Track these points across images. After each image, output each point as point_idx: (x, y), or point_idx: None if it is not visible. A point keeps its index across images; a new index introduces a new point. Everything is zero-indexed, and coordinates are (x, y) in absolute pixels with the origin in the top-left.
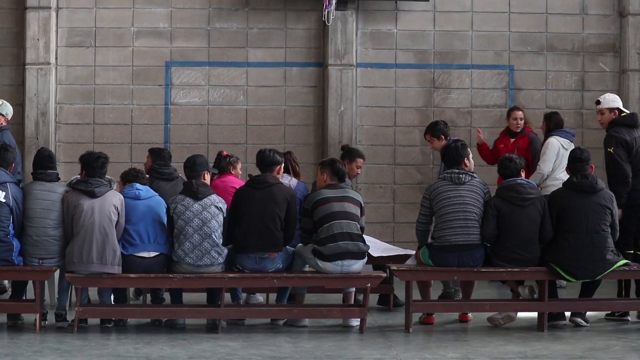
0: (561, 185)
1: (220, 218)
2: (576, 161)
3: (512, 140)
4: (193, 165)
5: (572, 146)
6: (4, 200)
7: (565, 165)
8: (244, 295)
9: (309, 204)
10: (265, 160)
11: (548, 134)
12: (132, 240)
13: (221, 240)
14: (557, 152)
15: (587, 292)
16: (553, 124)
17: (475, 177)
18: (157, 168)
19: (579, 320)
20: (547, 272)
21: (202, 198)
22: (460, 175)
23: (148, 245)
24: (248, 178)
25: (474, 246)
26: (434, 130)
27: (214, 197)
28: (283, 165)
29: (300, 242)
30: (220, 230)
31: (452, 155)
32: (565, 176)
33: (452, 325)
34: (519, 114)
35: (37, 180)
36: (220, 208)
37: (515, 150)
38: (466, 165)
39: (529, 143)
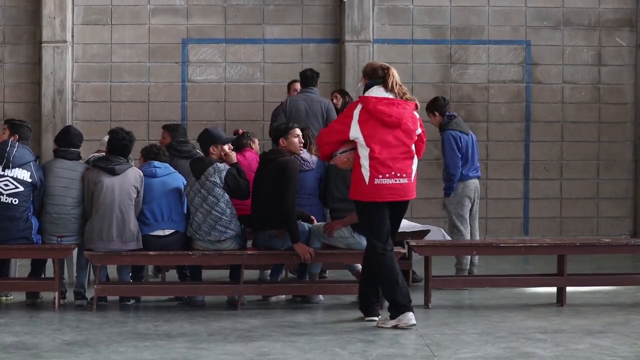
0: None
1: (217, 190)
2: None
3: None
4: (201, 141)
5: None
6: (29, 180)
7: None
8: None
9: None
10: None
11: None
12: (146, 220)
13: (228, 212)
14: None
15: None
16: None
17: None
18: (175, 145)
19: None
20: (566, 247)
21: (199, 175)
22: None
23: (162, 224)
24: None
25: None
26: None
27: (210, 170)
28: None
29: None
30: (221, 203)
31: None
32: None
33: (471, 300)
34: None
35: (59, 157)
36: (214, 182)
37: None
38: None
39: None
